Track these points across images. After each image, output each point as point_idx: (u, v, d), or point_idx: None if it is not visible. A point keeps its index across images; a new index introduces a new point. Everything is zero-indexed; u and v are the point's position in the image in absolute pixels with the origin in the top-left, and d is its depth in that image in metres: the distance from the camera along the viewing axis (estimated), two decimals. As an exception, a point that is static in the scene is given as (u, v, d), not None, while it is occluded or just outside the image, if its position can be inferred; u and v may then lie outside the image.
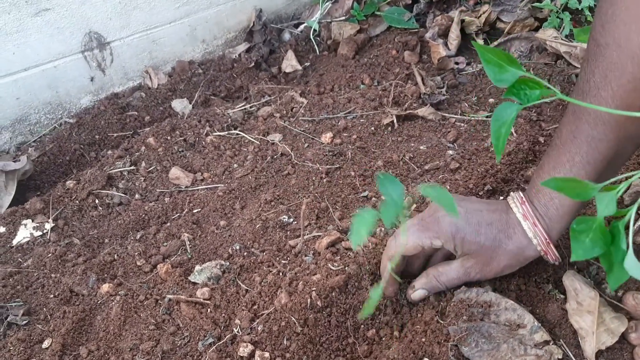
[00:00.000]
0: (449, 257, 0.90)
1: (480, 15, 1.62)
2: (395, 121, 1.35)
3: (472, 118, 1.34)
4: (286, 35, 1.81)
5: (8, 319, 0.99)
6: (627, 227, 0.53)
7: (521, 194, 0.83)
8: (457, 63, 1.57)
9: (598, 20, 0.70)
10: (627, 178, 0.53)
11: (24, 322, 0.99)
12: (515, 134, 1.23)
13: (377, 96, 1.45)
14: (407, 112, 1.38)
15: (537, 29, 1.59)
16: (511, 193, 0.84)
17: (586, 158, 0.74)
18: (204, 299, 0.97)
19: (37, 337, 0.96)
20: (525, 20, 1.58)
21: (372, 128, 1.35)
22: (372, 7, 1.78)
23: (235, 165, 1.30)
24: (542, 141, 1.21)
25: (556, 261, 0.83)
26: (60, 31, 1.41)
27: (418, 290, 0.89)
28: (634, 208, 0.52)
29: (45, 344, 0.95)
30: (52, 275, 1.08)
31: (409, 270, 0.94)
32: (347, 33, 1.74)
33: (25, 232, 1.17)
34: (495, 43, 1.59)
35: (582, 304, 0.85)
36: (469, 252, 0.83)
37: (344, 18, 1.79)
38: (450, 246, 0.83)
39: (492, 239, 0.80)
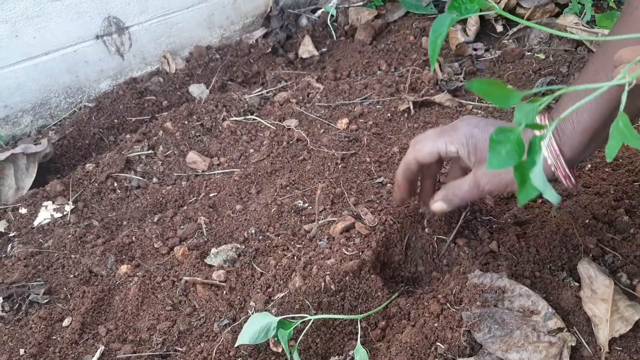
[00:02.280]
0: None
1: (499, 1, 1.60)
2: (411, 107, 1.34)
3: (490, 105, 1.33)
4: (303, 21, 1.81)
5: (30, 298, 1.01)
6: (543, 141, 0.53)
7: (545, 114, 0.80)
8: (475, 49, 1.56)
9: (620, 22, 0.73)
10: (553, 92, 0.53)
11: (45, 300, 1.01)
12: (532, 121, 1.22)
13: (393, 82, 1.44)
14: (424, 98, 1.37)
15: (557, 15, 1.57)
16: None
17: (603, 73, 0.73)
18: (220, 281, 0.99)
19: (58, 315, 0.99)
20: (546, 6, 1.56)
21: (389, 114, 1.35)
22: (390, -7, 1.76)
23: (252, 150, 1.31)
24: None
25: (567, 181, 0.78)
26: (80, 15, 1.42)
27: (437, 201, 0.89)
28: (554, 123, 0.52)
29: (66, 322, 0.97)
30: (72, 255, 1.10)
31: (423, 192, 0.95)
32: (365, 18, 1.73)
33: (46, 214, 1.20)
34: (515, 29, 1.58)
35: (597, 292, 0.85)
36: (482, 160, 0.81)
37: (361, 3, 1.78)
38: (464, 153, 0.82)
39: None
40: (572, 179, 0.79)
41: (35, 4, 1.34)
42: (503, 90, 0.53)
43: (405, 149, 1.24)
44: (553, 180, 0.81)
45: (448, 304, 0.88)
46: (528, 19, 1.56)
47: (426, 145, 0.85)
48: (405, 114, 1.35)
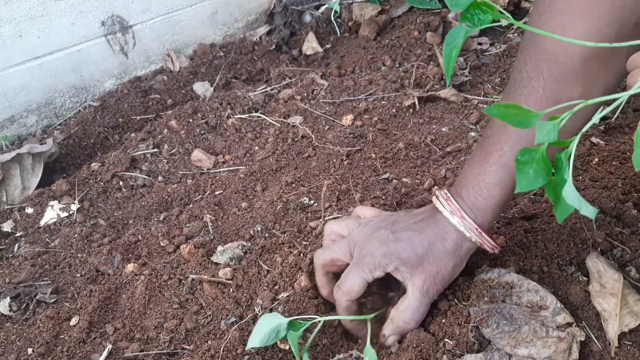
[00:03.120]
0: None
1: (504, -5, 1.59)
2: (416, 103, 1.34)
3: (496, 99, 1.33)
4: (307, 17, 1.81)
5: (37, 297, 1.02)
6: (569, 158, 0.52)
7: (446, 191, 0.81)
8: (480, 44, 1.55)
9: (535, 10, 0.70)
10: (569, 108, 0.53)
11: (52, 300, 1.02)
12: (539, 115, 1.21)
13: (398, 78, 1.43)
14: (429, 93, 1.36)
15: (563, 8, 1.55)
16: (435, 192, 0.82)
17: (515, 148, 0.73)
18: (226, 279, 0.99)
19: (65, 314, 0.99)
20: (551, -1, 1.55)
21: (394, 110, 1.34)
22: (394, -12, 1.75)
23: (257, 148, 1.31)
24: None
25: (494, 250, 0.83)
26: (84, 15, 1.42)
27: (390, 337, 0.85)
28: (577, 138, 0.52)
29: (73, 322, 0.97)
30: (79, 255, 1.10)
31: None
32: (369, 14, 1.72)
33: (52, 213, 1.20)
34: (520, 23, 1.56)
35: (606, 286, 0.84)
36: (413, 269, 0.80)
37: (365, -1, 1.77)
38: (392, 269, 0.80)
39: (428, 245, 0.79)
40: (496, 245, 0.83)
41: (39, 3, 1.34)
42: (521, 111, 0.53)
43: (411, 144, 1.23)
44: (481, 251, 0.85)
45: (456, 300, 0.87)
46: (533, 13, 1.55)
47: (355, 283, 0.82)
48: (411, 110, 1.34)
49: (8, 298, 1.01)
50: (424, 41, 1.57)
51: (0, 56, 1.35)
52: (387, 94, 1.39)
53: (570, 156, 0.52)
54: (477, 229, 0.79)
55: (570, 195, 0.51)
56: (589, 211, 0.52)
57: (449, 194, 0.81)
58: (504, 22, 1.61)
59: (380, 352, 0.87)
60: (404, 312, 0.83)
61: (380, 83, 1.43)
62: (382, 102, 1.37)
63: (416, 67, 1.47)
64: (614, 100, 0.54)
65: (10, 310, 1.00)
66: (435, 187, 1.08)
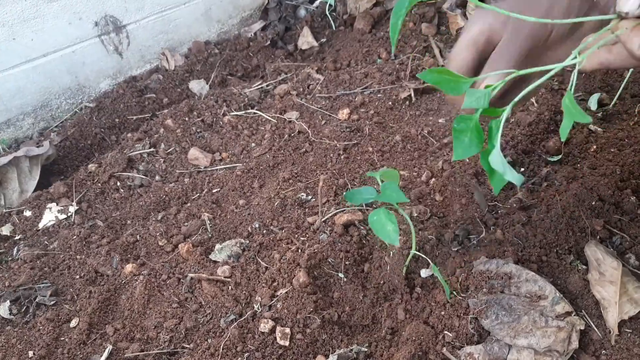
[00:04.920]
0: None
1: (499, -17, 1.58)
2: (413, 95, 1.33)
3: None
4: (301, 12, 1.80)
5: (37, 300, 1.02)
6: (499, 126, 0.53)
7: None
8: (475, 33, 1.53)
9: None
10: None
11: (52, 302, 1.02)
12: (536, 104, 1.20)
13: (394, 70, 1.43)
14: (425, 85, 1.36)
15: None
16: None
17: None
18: (225, 277, 0.99)
19: (65, 316, 0.99)
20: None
21: (390, 103, 1.34)
22: (388, -20, 1.74)
23: (253, 145, 1.30)
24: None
25: None
26: (77, 16, 1.42)
27: (489, 76, 0.69)
28: (508, 108, 0.53)
29: (73, 323, 0.97)
30: (78, 256, 1.10)
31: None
32: (363, 7, 1.71)
33: (50, 216, 1.20)
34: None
35: (605, 274, 0.84)
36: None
37: (359, -8, 1.76)
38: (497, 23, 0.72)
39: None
40: None
41: (32, 5, 1.34)
42: (453, 77, 0.53)
43: (407, 137, 1.23)
44: None
45: (454, 292, 0.87)
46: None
47: (476, 24, 0.74)
48: (407, 102, 1.34)
49: (8, 301, 1.01)
50: (419, 32, 1.56)
51: (-5, 60, 1.35)
52: (383, 86, 1.38)
53: (500, 125, 0.52)
54: None
55: (497, 162, 0.51)
56: (514, 178, 0.52)
57: None
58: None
59: (379, 344, 0.87)
60: (503, 48, 0.70)
61: (376, 76, 1.42)
62: (378, 95, 1.37)
63: (412, 58, 1.46)
64: (548, 71, 0.54)
65: (10, 314, 1.00)
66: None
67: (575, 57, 0.51)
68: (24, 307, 1.02)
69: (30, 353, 0.94)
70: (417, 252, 0.90)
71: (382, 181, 0.84)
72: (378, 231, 0.80)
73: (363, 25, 1.65)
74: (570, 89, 0.50)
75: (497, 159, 0.52)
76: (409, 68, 1.42)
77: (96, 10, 1.44)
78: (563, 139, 0.49)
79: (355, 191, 0.85)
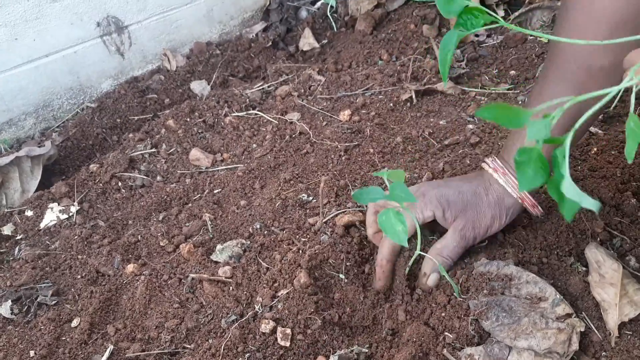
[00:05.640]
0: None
1: (500, -15, 1.58)
2: (414, 96, 1.33)
3: (493, 91, 1.32)
4: (303, 13, 1.80)
5: (38, 300, 1.02)
6: (564, 154, 0.54)
7: (493, 156, 0.90)
8: (477, 35, 1.54)
9: None
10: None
11: (53, 302, 1.02)
12: (536, 106, 1.20)
13: (395, 72, 1.43)
14: (426, 87, 1.36)
15: (559, -2, 1.55)
16: (484, 158, 0.90)
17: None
18: (226, 277, 0.99)
19: (66, 316, 0.99)
20: (547, -12, 1.54)
21: (391, 104, 1.34)
22: (389, -19, 1.75)
23: (254, 145, 1.31)
24: (565, 113, 1.18)
25: (536, 210, 0.89)
26: (79, 16, 1.42)
27: (430, 275, 0.90)
28: (570, 134, 0.53)
29: (74, 323, 0.98)
30: (79, 256, 1.11)
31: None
32: (365, 8, 1.71)
33: (51, 216, 1.20)
34: (516, 14, 1.56)
35: (605, 276, 0.84)
36: (456, 213, 0.87)
37: (361, -7, 1.76)
38: (439, 213, 0.87)
39: (473, 194, 0.87)
40: (538, 206, 0.89)
41: (34, 6, 1.34)
42: (512, 111, 0.53)
43: (408, 138, 1.23)
44: (523, 211, 0.91)
45: (455, 294, 0.87)
46: (530, 3, 1.54)
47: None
48: (408, 104, 1.34)
49: (9, 301, 1.01)
50: (420, 34, 1.57)
51: (-3, 60, 1.35)
52: (384, 88, 1.39)
53: (565, 153, 0.53)
54: (517, 184, 0.84)
55: (570, 191, 0.52)
56: (591, 204, 0.52)
57: (495, 157, 0.89)
58: (500, 13, 1.60)
59: (379, 345, 0.87)
60: (443, 249, 0.88)
61: (377, 77, 1.42)
62: (380, 97, 1.37)
63: (413, 60, 1.46)
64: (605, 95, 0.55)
65: (11, 313, 1.01)
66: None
67: (632, 79, 0.52)
68: (26, 307, 1.02)
69: (32, 353, 0.94)
70: (422, 252, 0.90)
71: (389, 181, 0.84)
72: (387, 231, 0.80)
73: (364, 26, 1.65)
74: (634, 111, 0.52)
75: (571, 190, 0.53)
76: (410, 69, 1.43)
77: (98, 10, 1.45)
78: (630, 161, 0.51)
79: (363, 191, 0.85)
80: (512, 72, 1.38)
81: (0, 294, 1.04)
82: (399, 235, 0.79)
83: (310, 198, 1.13)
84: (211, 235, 1.10)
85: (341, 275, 0.96)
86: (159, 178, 1.27)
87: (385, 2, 1.74)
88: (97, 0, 1.43)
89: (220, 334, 0.92)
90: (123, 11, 1.49)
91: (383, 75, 1.43)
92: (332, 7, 1.76)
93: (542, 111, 0.55)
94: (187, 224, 1.14)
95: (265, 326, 0.89)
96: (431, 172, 1.12)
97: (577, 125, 0.56)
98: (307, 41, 1.69)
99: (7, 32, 1.33)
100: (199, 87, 1.57)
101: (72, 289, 1.05)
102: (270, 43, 1.69)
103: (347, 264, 0.98)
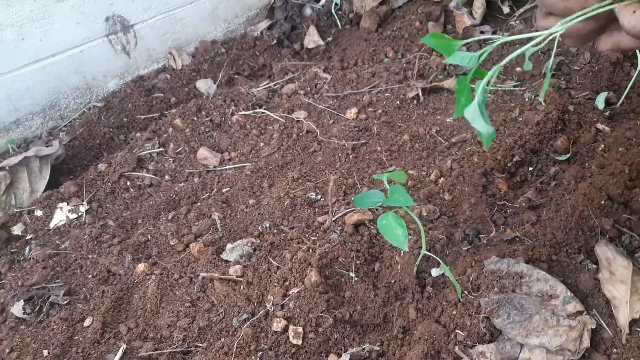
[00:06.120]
0: None
1: (505, -18, 1.58)
2: (420, 94, 1.34)
3: (499, 88, 1.32)
4: (307, 11, 1.80)
5: (50, 299, 1.03)
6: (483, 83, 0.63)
7: None
8: (482, 32, 1.54)
9: None
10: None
11: (65, 301, 1.03)
12: (544, 104, 1.21)
13: (401, 69, 1.43)
14: (433, 84, 1.36)
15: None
16: None
17: None
18: (237, 276, 0.99)
19: (79, 316, 1.00)
20: (553, -15, 1.54)
21: (397, 102, 1.34)
22: (394, -22, 1.74)
23: (262, 144, 1.31)
24: (572, 109, 1.18)
25: None
26: (85, 16, 1.42)
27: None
28: (492, 70, 0.63)
29: (87, 323, 0.98)
30: (90, 256, 1.11)
31: None
32: (370, 5, 1.71)
33: (61, 215, 1.21)
34: (522, 10, 1.56)
35: (615, 274, 0.84)
36: None
37: (365, -10, 1.76)
38: None
39: None
40: None
41: (40, 6, 1.34)
42: (447, 41, 0.66)
43: (415, 136, 1.23)
44: None
45: (466, 292, 0.88)
46: (535, -1, 1.54)
47: None
48: (415, 101, 1.34)
49: (22, 301, 1.02)
50: (425, 31, 1.57)
51: (3, 60, 1.35)
52: (391, 85, 1.39)
53: (482, 84, 0.63)
54: None
55: (471, 114, 0.63)
56: (483, 128, 0.62)
57: None
58: (505, 9, 1.60)
59: (391, 342, 0.88)
60: None
61: (383, 75, 1.42)
62: (386, 95, 1.37)
63: (419, 57, 1.46)
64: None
65: (24, 313, 1.01)
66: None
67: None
68: (38, 307, 1.02)
69: (45, 352, 0.95)
70: (427, 252, 0.90)
71: (389, 184, 0.85)
72: (387, 235, 0.81)
73: (369, 24, 1.65)
74: (550, 58, 0.57)
75: (472, 112, 0.63)
76: (416, 67, 1.43)
77: (104, 10, 1.45)
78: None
79: (364, 195, 0.86)
80: (518, 69, 1.38)
81: (12, 294, 1.05)
82: (398, 239, 0.79)
83: (319, 197, 1.14)
84: (221, 234, 1.11)
85: (351, 274, 0.97)
86: (167, 177, 1.28)
87: (390, -1, 1.74)
88: (102, 0, 1.43)
89: (232, 333, 0.92)
90: (128, 10, 1.49)
91: (389, 72, 1.43)
92: (336, 4, 1.75)
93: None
94: (197, 223, 1.15)
95: (277, 325, 0.90)
96: (439, 169, 1.13)
97: (502, 63, 0.61)
98: (312, 39, 1.69)
99: (14, 32, 1.33)
100: (204, 85, 1.57)
101: (84, 289, 1.05)
102: (275, 41, 1.69)
103: (357, 262, 0.98)
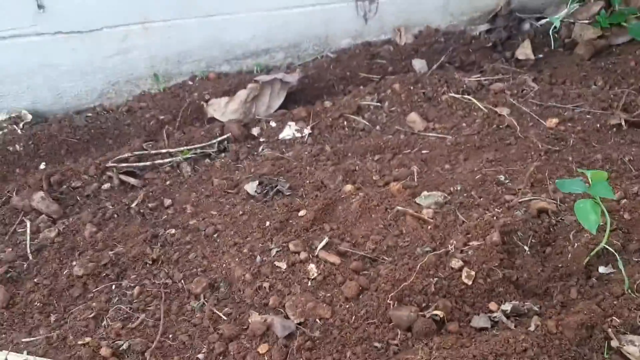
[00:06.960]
0: None
1: None
2: (623, 124, 1.43)
3: (703, 140, 1.38)
4: (526, 26, 1.94)
5: (277, 187, 1.29)
6: None
7: None
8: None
9: None
10: None
11: (288, 193, 1.29)
12: None
13: (607, 98, 1.53)
14: (636, 119, 1.45)
15: None
16: None
17: None
18: (428, 217, 1.19)
19: (296, 206, 1.25)
20: None
21: (597, 125, 1.45)
22: (619, 17, 1.82)
23: (464, 124, 1.49)
24: None
25: None
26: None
27: None
28: None
29: (301, 213, 1.23)
30: (308, 168, 1.37)
31: None
32: (588, 36, 1.81)
33: (289, 131, 1.48)
34: None
35: None
36: None
37: (587, 21, 1.86)
38: None
39: None
40: None
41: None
42: None
43: (608, 158, 1.34)
44: None
45: (630, 290, 0.99)
46: None
47: None
48: (614, 129, 1.44)
49: (257, 181, 1.29)
50: (638, 72, 1.64)
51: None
52: (594, 110, 1.50)
53: None
54: None
55: None
56: None
57: None
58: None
59: (549, 309, 1.02)
60: None
61: (589, 99, 1.53)
62: (587, 116, 1.48)
63: (627, 94, 1.55)
64: None
65: (255, 192, 1.29)
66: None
67: None
68: (265, 190, 1.29)
69: (267, 223, 1.21)
70: (606, 246, 1.03)
71: (592, 178, 0.98)
72: (581, 217, 0.95)
73: (584, 52, 1.76)
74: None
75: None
76: (623, 100, 1.52)
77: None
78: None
79: (567, 181, 1.01)
80: None
81: (247, 176, 1.33)
82: (590, 222, 0.93)
83: (507, 181, 1.29)
84: (416, 184, 1.31)
85: (525, 247, 1.12)
86: (377, 127, 1.51)
87: (610, 35, 1.82)
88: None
89: (414, 258, 1.12)
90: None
91: (595, 98, 1.54)
92: (555, 27, 1.87)
93: None
94: (397, 170, 1.35)
95: (455, 263, 1.08)
96: (624, 192, 1.23)
97: None
98: (525, 51, 1.83)
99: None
100: (419, 64, 1.78)
101: (301, 189, 1.31)
102: (490, 44, 1.85)
103: (533, 240, 1.13)
